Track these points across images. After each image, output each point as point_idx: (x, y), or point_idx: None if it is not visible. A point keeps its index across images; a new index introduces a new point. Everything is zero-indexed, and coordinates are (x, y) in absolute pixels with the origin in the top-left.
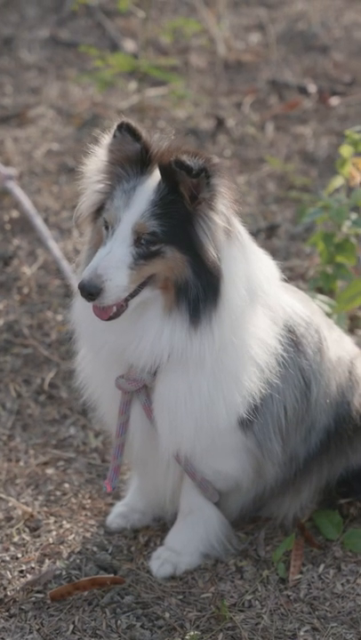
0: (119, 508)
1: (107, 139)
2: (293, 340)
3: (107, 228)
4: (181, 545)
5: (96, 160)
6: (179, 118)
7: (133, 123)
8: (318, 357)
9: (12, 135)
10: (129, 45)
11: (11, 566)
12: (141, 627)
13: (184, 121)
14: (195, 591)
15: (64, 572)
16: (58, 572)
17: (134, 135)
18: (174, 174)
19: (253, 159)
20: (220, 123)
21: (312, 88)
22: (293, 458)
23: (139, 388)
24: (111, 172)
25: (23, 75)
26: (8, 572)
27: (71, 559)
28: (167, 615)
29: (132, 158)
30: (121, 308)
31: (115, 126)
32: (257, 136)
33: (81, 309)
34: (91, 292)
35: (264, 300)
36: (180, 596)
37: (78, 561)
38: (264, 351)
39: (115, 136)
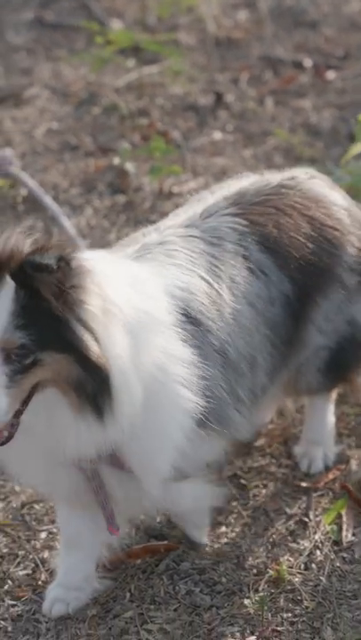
0: (53, 591)
1: None
2: (194, 323)
3: None
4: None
5: None
6: (176, 95)
7: None
8: (219, 320)
9: (10, 115)
10: (116, 25)
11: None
12: (200, 592)
13: (182, 97)
14: (248, 556)
15: (115, 542)
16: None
17: None
18: (31, 278)
19: (257, 133)
20: (220, 98)
21: (308, 63)
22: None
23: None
24: None
25: (12, 56)
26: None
27: (121, 529)
28: (224, 580)
29: None
30: (12, 428)
31: None
32: (257, 110)
33: None
34: None
35: (158, 317)
36: (235, 561)
37: (128, 529)
38: (185, 367)
39: None
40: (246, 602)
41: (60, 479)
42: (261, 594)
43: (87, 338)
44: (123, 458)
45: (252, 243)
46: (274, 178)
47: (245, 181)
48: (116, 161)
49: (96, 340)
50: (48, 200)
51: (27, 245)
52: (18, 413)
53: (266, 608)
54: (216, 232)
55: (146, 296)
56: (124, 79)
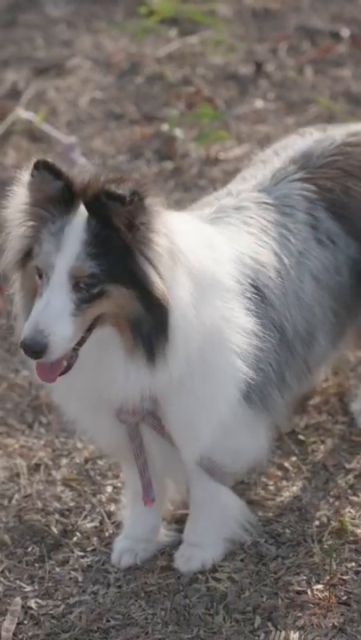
0: (122, 542)
1: (26, 177)
2: (260, 296)
3: (40, 276)
4: (201, 537)
5: (17, 202)
6: (217, 64)
7: (51, 160)
8: (283, 297)
9: (54, 85)
10: None
11: None
12: (265, 542)
13: (223, 67)
14: (310, 508)
15: (180, 496)
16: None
17: (54, 173)
18: (105, 208)
19: (298, 101)
20: (259, 68)
21: (345, 33)
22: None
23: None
24: (34, 214)
25: (52, 29)
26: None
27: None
28: (288, 532)
29: (55, 197)
30: (72, 359)
31: (31, 165)
32: (297, 79)
33: None
34: (35, 349)
35: (223, 281)
36: (298, 514)
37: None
38: (242, 337)
39: (32, 175)
40: (315, 549)
41: (105, 430)
42: (328, 542)
43: (153, 274)
44: (163, 421)
45: (321, 210)
46: (338, 134)
47: (309, 139)
48: (165, 128)
49: (161, 278)
50: None
51: (104, 178)
52: (79, 343)
53: (334, 556)
54: (287, 200)
55: (215, 260)
56: (166, 49)
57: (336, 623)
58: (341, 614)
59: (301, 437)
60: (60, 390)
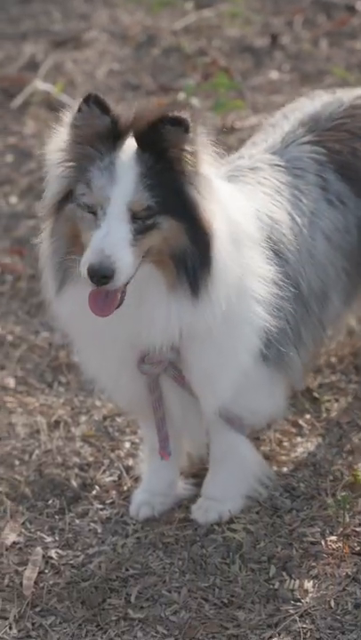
0: (140, 496)
1: (70, 115)
2: (275, 250)
3: (92, 212)
4: (221, 492)
5: (58, 142)
6: (233, 37)
7: (101, 95)
8: (297, 254)
9: (71, 58)
10: None
11: None
12: (280, 496)
13: (239, 39)
14: (324, 463)
15: (198, 451)
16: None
17: (103, 108)
18: (161, 139)
19: (313, 73)
20: (275, 40)
21: (360, 6)
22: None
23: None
24: (78, 153)
25: (69, 2)
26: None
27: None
28: (302, 485)
29: (103, 133)
30: (123, 294)
31: (81, 100)
32: (312, 51)
33: (76, 303)
34: (105, 274)
35: (247, 229)
36: (312, 468)
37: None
38: (263, 285)
39: (80, 110)
40: (329, 502)
41: (125, 385)
42: (341, 495)
43: (202, 203)
44: (184, 371)
45: (330, 172)
46: (346, 97)
47: (318, 102)
48: (181, 97)
49: (207, 208)
50: None
51: (152, 111)
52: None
53: (347, 508)
54: (298, 162)
55: (240, 210)
56: (182, 22)
57: (350, 572)
58: (355, 564)
59: (316, 395)
60: (87, 340)
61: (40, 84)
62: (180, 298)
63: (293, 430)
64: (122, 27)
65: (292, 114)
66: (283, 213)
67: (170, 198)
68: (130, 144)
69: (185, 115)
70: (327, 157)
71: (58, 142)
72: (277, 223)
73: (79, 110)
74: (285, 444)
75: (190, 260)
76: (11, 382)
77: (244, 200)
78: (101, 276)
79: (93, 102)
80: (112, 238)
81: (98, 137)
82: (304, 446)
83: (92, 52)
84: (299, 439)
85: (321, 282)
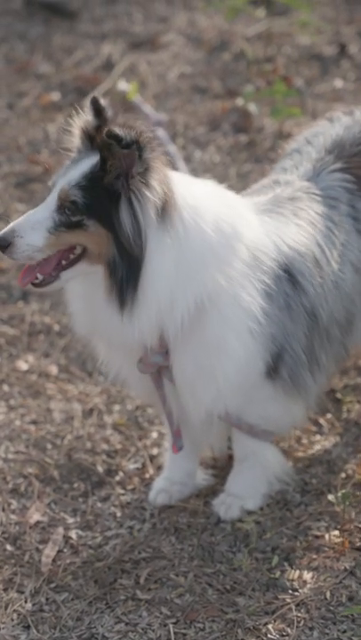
0: (159, 483)
1: (84, 112)
2: (291, 281)
3: None
4: (243, 489)
5: (73, 132)
6: (303, 45)
7: (102, 100)
8: (319, 286)
9: (146, 59)
10: None
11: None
12: (292, 490)
13: (308, 47)
14: (338, 461)
15: (217, 444)
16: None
17: (96, 111)
18: (107, 148)
19: None
20: (343, 49)
21: None
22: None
23: (160, 367)
24: (76, 145)
25: (152, 5)
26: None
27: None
28: (314, 481)
29: (88, 133)
30: (49, 277)
31: (88, 101)
32: None
33: (79, 302)
34: (1, 244)
35: (233, 259)
36: (326, 465)
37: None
38: (246, 316)
39: (86, 109)
40: (330, 497)
41: (132, 377)
42: (343, 491)
43: (127, 223)
44: (173, 375)
45: (360, 201)
46: None
47: (339, 126)
48: (240, 102)
49: (138, 229)
50: (181, 165)
51: (119, 122)
52: (59, 267)
53: (348, 504)
54: (331, 192)
55: (222, 237)
56: (255, 28)
57: (348, 567)
58: (354, 559)
59: (338, 396)
60: (86, 331)
61: (120, 84)
62: (112, 306)
63: (313, 428)
64: (198, 31)
65: (315, 138)
66: (312, 246)
67: (102, 205)
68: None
69: (127, 132)
70: (357, 185)
71: (73, 133)
72: (301, 255)
73: (85, 108)
74: (304, 441)
75: (120, 272)
76: (54, 370)
77: (257, 231)
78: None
79: (92, 104)
80: (29, 218)
81: (85, 135)
82: (322, 444)
83: (167, 55)
84: (317, 437)
85: (346, 311)
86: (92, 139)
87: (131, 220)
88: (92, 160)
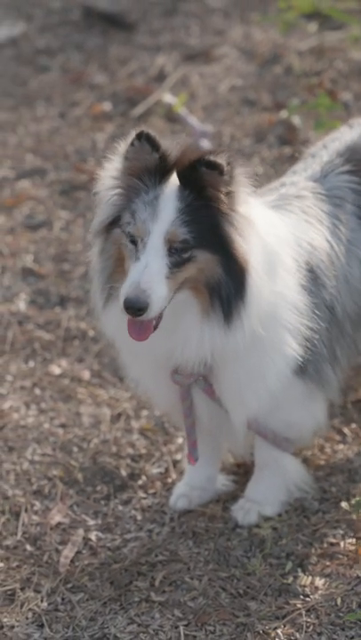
0: (180, 488)
1: (123, 147)
2: (312, 277)
3: (133, 242)
4: (262, 496)
5: (112, 169)
6: (355, 60)
7: (152, 132)
8: (334, 279)
9: (198, 71)
10: None
11: None
12: (311, 498)
13: (359, 62)
14: (360, 470)
15: (238, 450)
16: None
17: (153, 145)
18: (200, 177)
19: None
20: None
21: None
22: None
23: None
24: (127, 183)
25: (209, 18)
26: None
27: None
28: (334, 489)
29: (151, 168)
30: (159, 320)
31: (133, 135)
32: None
33: (119, 320)
34: (138, 307)
35: (284, 259)
36: (347, 474)
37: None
38: (296, 314)
39: (132, 145)
40: (343, 505)
41: (161, 391)
42: (358, 498)
43: (237, 240)
44: (215, 385)
45: None
46: None
47: (356, 132)
48: (283, 115)
49: (243, 244)
50: None
51: (197, 151)
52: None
53: (360, 512)
54: (337, 191)
55: (278, 238)
56: (307, 43)
57: (360, 574)
58: None
59: None
60: (132, 351)
61: (166, 97)
62: (213, 324)
63: (337, 437)
64: (252, 44)
65: (331, 143)
66: (322, 241)
67: (206, 233)
68: (174, 180)
69: (221, 158)
70: None
71: (112, 170)
72: (317, 250)
73: (132, 144)
74: (327, 449)
75: (224, 290)
76: (86, 375)
77: (285, 228)
78: (136, 309)
79: (145, 139)
80: (149, 272)
81: (146, 171)
82: (344, 453)
83: (219, 67)
84: (341, 446)
85: (356, 306)
86: (161, 173)
87: (237, 237)
88: (172, 194)
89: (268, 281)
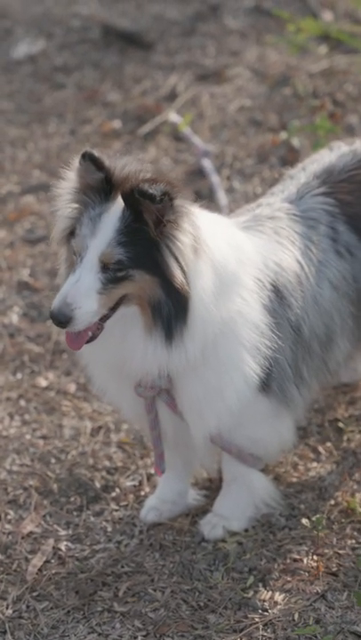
0: (151, 501)
1: (75, 164)
2: (278, 297)
3: (75, 254)
4: (229, 511)
5: (67, 184)
6: None
7: (96, 152)
8: (301, 300)
9: (209, 91)
10: (327, 16)
11: None
12: (279, 515)
13: None
14: (330, 489)
15: (209, 466)
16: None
17: (96, 164)
18: (137, 202)
19: None
20: None
21: None
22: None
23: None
24: (79, 198)
25: (226, 39)
26: None
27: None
28: (303, 507)
29: (96, 186)
30: (97, 331)
31: (79, 155)
32: None
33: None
34: (60, 320)
35: (243, 280)
36: (317, 492)
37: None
38: (256, 333)
39: (80, 164)
40: (304, 521)
41: (126, 401)
42: (319, 515)
43: (174, 266)
44: (176, 399)
45: (340, 224)
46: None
47: (334, 155)
48: (284, 136)
49: (182, 270)
50: (221, 194)
51: (142, 174)
52: (104, 318)
53: (321, 528)
54: (312, 213)
55: (238, 259)
56: (319, 65)
57: (320, 590)
58: (327, 583)
59: (341, 426)
60: (90, 360)
61: (171, 116)
62: (156, 341)
63: (311, 455)
64: (265, 65)
65: (310, 165)
66: (292, 261)
67: (142, 255)
68: (120, 200)
69: (155, 189)
70: (339, 209)
71: (66, 185)
72: (285, 270)
73: (79, 164)
74: (300, 467)
75: (165, 310)
76: (72, 388)
77: (251, 249)
78: (58, 321)
79: (89, 159)
80: (79, 286)
81: (92, 189)
82: (317, 471)
83: (230, 88)
84: (314, 464)
85: (326, 327)
86: (105, 191)
87: (174, 263)
88: (115, 213)
89: (220, 301)
